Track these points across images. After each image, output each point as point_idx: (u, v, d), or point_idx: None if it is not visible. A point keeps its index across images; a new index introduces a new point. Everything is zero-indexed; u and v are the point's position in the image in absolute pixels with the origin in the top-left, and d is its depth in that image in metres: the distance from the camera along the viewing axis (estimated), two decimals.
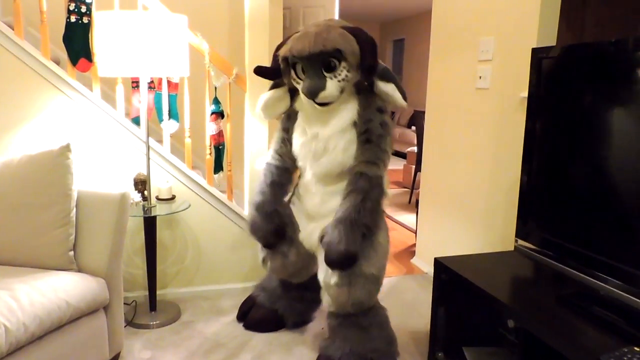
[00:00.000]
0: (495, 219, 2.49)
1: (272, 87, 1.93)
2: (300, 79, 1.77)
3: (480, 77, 2.57)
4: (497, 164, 2.47)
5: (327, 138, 1.79)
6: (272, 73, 1.82)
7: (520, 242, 1.89)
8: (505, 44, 2.38)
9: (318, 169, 1.84)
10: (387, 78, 1.75)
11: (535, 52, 1.76)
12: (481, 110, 2.57)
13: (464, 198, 2.76)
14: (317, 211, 1.91)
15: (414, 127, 8.05)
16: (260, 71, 1.80)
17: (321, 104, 1.74)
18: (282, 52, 1.75)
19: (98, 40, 2.04)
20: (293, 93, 1.95)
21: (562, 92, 1.65)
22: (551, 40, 2.23)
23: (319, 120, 1.82)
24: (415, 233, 3.72)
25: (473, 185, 2.67)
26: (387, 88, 1.75)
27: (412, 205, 4.89)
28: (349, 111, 1.79)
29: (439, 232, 3.06)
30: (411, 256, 3.45)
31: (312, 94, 1.69)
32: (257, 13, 2.53)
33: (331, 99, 1.73)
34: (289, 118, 1.96)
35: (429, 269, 3.15)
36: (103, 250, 1.92)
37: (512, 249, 2.33)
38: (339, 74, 1.70)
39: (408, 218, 4.38)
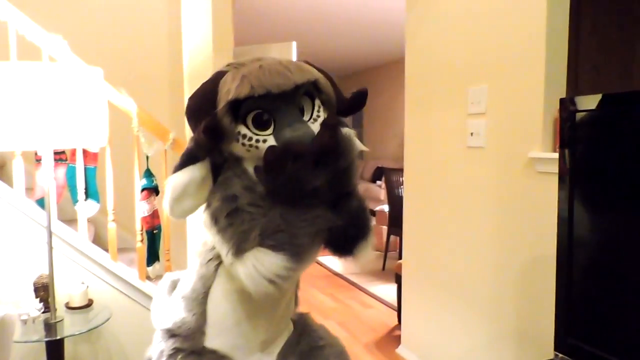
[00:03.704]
0: (502, 305, 2.00)
1: (185, 165, 1.09)
2: (259, 135, 1.04)
3: (472, 134, 2.15)
4: (501, 237, 2.00)
5: None
6: (220, 133, 1.03)
7: (562, 356, 1.39)
8: (503, 93, 1.98)
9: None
10: (344, 123, 1.23)
11: (564, 103, 1.33)
12: (476, 173, 2.13)
13: (458, 275, 2.27)
14: (272, 332, 1.21)
15: (379, 182, 7.68)
16: (213, 130, 1.01)
17: None
18: (238, 92, 1.00)
19: None
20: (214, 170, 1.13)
21: (613, 156, 1.21)
22: (561, 88, 1.85)
23: None
24: (398, 312, 3.19)
25: (470, 262, 2.19)
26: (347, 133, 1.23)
27: (388, 272, 4.38)
28: None
29: (429, 316, 2.53)
30: (395, 343, 2.90)
31: None
32: (200, 68, 2.05)
33: None
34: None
35: None
36: None
37: (540, 351, 1.84)
38: (318, 116, 1.10)
39: (385, 290, 3.86)
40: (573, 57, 2.48)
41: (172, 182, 1.07)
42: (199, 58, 2.05)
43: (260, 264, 0.97)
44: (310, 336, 1.24)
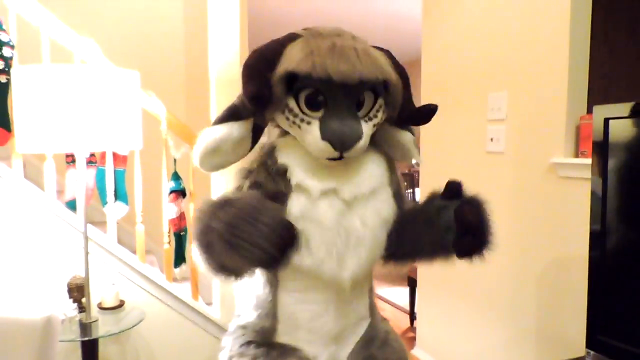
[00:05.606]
0: (521, 307, 2.05)
1: (225, 119, 1.03)
2: (306, 115, 1.00)
3: (491, 139, 2.20)
4: (521, 240, 2.05)
5: (354, 199, 1.04)
6: (266, 103, 0.98)
7: (594, 353, 1.44)
8: (523, 99, 2.03)
9: (357, 263, 1.05)
10: (409, 130, 1.14)
11: (599, 111, 1.39)
12: (495, 178, 2.19)
13: (476, 278, 2.32)
14: (342, 327, 1.18)
15: None
16: (259, 99, 0.96)
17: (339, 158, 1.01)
18: (298, 67, 0.95)
19: (18, 103, 1.51)
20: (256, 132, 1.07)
21: None
22: (583, 95, 1.91)
23: (331, 174, 1.05)
24: (410, 315, 3.24)
25: (489, 264, 2.24)
26: (406, 139, 1.13)
27: (397, 276, 4.42)
28: (375, 165, 1.10)
29: (445, 317, 2.58)
30: (409, 345, 2.94)
31: (344, 146, 0.96)
32: (225, 71, 2.08)
33: (360, 153, 1.03)
34: (259, 188, 1.05)
35: None
36: None
37: (562, 352, 1.89)
38: (375, 115, 1.03)
39: (395, 293, 3.90)
40: None
41: (207, 135, 1.01)
42: (226, 63, 2.09)
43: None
44: (387, 345, 1.21)
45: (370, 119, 1.03)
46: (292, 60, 0.95)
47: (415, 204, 1.14)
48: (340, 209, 1.03)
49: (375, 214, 1.07)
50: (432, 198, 1.07)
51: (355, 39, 1.02)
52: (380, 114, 1.05)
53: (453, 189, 1.04)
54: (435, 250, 1.08)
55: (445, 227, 1.02)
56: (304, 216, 1.01)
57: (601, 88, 2.61)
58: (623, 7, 2.38)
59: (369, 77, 0.96)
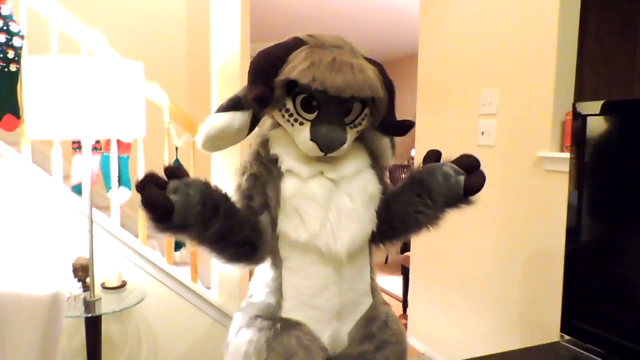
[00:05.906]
0: (508, 295, 2.14)
1: (228, 109, 1.14)
2: (300, 116, 1.13)
3: (482, 133, 2.28)
4: (508, 231, 2.14)
5: (340, 178, 1.17)
6: (269, 100, 1.10)
7: (567, 337, 1.53)
8: (513, 96, 2.11)
9: (349, 237, 1.16)
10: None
11: (578, 108, 1.46)
12: (485, 171, 2.25)
13: (466, 268, 2.41)
14: (344, 303, 1.23)
15: None
16: (263, 98, 1.07)
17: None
18: (300, 76, 1.06)
19: (28, 92, 1.59)
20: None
21: (622, 158, 1.34)
22: (569, 92, 1.98)
23: (318, 161, 1.18)
24: (403, 303, 3.33)
25: (478, 254, 2.32)
26: (383, 143, 1.29)
27: (390, 265, 4.52)
28: (357, 155, 1.24)
29: (436, 305, 2.67)
30: None
31: (330, 149, 1.12)
32: (226, 63, 2.16)
33: (343, 152, 1.18)
34: (256, 179, 1.17)
35: (426, 349, 2.75)
36: None
37: (545, 337, 1.98)
38: (360, 123, 1.18)
39: (388, 282, 4.00)
40: (577, 65, 2.62)
41: (212, 121, 1.12)
42: (227, 57, 2.16)
43: None
44: (387, 327, 1.27)
45: (355, 126, 1.17)
46: (295, 68, 1.07)
47: (415, 173, 1.27)
48: (329, 187, 1.15)
49: (362, 190, 1.19)
50: (425, 167, 1.25)
51: (354, 51, 1.15)
52: (364, 122, 1.19)
53: (437, 154, 1.28)
54: (451, 198, 1.28)
55: (456, 170, 1.24)
56: (297, 194, 1.13)
57: (593, 87, 2.68)
58: (616, 8, 2.44)
59: (360, 94, 1.09)
